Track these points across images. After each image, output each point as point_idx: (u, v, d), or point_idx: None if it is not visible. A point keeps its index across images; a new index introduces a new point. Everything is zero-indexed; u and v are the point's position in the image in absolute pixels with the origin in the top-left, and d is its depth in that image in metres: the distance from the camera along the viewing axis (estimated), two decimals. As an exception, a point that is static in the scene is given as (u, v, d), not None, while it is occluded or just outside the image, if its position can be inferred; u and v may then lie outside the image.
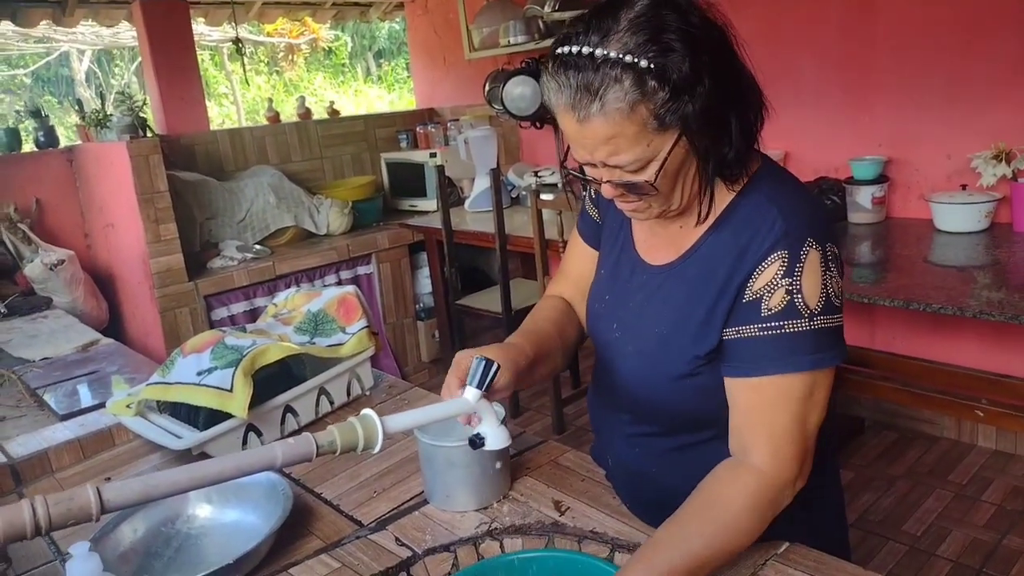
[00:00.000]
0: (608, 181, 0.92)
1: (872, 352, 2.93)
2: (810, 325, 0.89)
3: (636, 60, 0.82)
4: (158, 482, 0.72)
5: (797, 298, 0.89)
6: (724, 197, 0.96)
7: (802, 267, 0.89)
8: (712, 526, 0.88)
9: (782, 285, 0.89)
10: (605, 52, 0.82)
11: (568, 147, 0.93)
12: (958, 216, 2.65)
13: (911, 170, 2.93)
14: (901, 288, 2.17)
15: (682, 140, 0.86)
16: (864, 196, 2.88)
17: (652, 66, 0.82)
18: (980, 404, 2.31)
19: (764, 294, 0.90)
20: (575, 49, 0.84)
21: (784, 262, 0.90)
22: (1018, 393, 2.50)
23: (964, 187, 2.73)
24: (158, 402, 1.46)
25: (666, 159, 0.87)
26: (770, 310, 0.90)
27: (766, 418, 0.91)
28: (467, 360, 0.99)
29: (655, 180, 0.89)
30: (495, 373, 0.94)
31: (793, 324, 0.89)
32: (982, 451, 2.87)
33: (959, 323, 2.82)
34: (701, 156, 0.89)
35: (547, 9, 3.47)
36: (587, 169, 0.93)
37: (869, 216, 2.90)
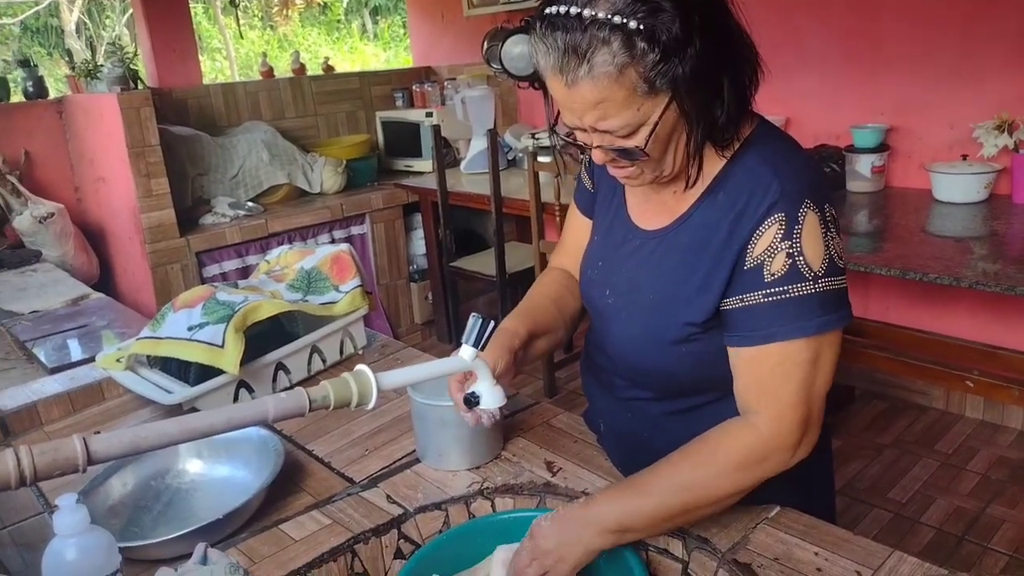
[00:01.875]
0: (599, 146, 0.89)
1: (866, 321, 2.93)
2: (815, 288, 0.87)
3: (625, 21, 0.78)
4: (147, 434, 0.71)
5: (799, 260, 0.87)
6: (715, 161, 0.94)
7: (801, 228, 0.87)
8: (701, 470, 0.90)
9: (782, 248, 0.88)
10: (593, 12, 0.79)
11: (558, 111, 0.90)
12: (957, 186, 2.63)
13: (912, 139, 2.91)
14: (898, 257, 2.16)
15: (673, 104, 0.84)
16: (864, 164, 2.86)
17: (641, 27, 0.78)
18: (971, 375, 2.31)
19: (765, 259, 0.89)
20: (562, 9, 0.81)
21: (782, 224, 0.88)
22: (1010, 365, 2.51)
23: (965, 157, 2.71)
24: (148, 357, 1.44)
25: (657, 123, 0.85)
26: (773, 275, 0.88)
27: (772, 385, 0.90)
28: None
29: (646, 145, 0.86)
30: (491, 331, 0.93)
31: (797, 288, 0.87)
32: (969, 421, 2.89)
33: (954, 294, 2.82)
34: (692, 119, 0.86)
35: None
36: (577, 134, 0.91)
37: (868, 185, 2.88)
